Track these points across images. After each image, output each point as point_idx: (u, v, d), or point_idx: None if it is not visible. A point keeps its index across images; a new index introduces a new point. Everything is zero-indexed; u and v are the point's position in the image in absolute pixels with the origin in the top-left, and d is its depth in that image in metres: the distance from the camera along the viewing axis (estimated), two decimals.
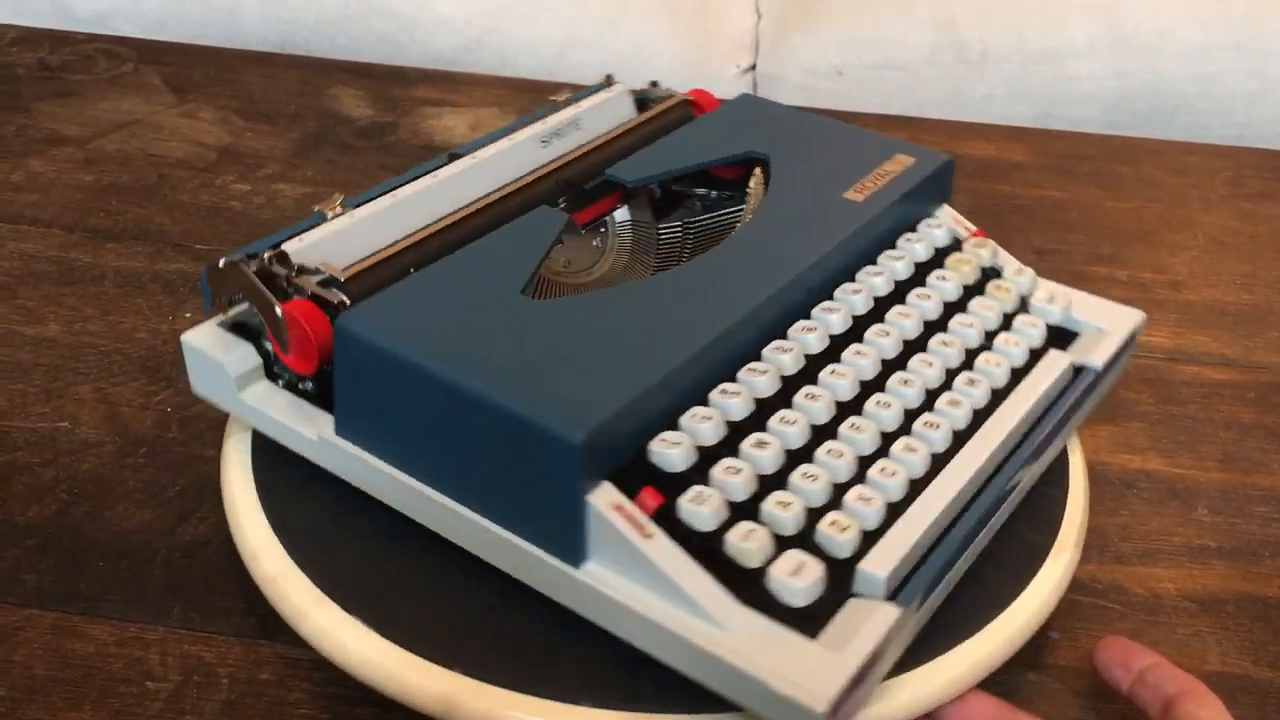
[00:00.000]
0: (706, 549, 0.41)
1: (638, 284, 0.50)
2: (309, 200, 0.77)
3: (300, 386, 0.50)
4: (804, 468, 0.44)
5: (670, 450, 0.43)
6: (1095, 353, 0.53)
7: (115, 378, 0.62)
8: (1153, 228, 0.80)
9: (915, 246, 0.55)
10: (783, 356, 0.48)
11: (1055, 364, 0.52)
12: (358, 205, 0.53)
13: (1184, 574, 0.55)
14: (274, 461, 0.52)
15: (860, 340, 0.50)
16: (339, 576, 0.47)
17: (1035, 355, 0.53)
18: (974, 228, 0.58)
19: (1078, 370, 0.53)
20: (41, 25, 0.98)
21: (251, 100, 0.88)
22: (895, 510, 0.44)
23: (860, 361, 0.49)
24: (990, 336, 0.53)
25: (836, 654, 0.39)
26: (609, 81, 0.66)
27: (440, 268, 0.49)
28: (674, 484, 0.42)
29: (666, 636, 0.40)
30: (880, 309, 0.52)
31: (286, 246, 0.50)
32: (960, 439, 0.47)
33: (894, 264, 0.54)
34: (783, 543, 0.42)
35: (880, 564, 0.41)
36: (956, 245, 0.57)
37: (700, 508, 0.41)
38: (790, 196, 0.54)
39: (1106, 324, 0.55)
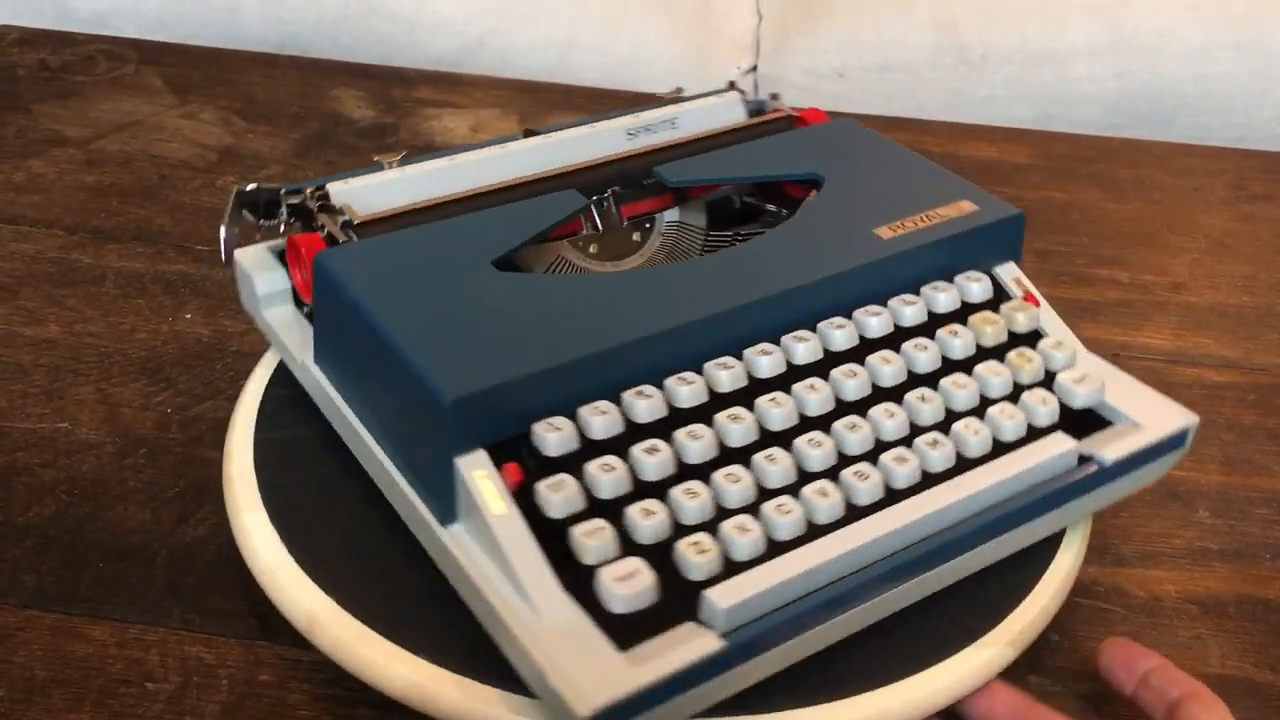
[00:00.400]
0: (559, 537, 0.41)
1: (608, 275, 0.51)
2: None
3: (306, 313, 0.53)
4: (687, 484, 0.43)
5: (548, 434, 0.43)
6: (1112, 446, 0.48)
7: (115, 379, 0.62)
8: (1154, 229, 0.80)
9: (938, 296, 0.51)
10: (721, 373, 0.46)
11: (1050, 447, 0.47)
12: (417, 162, 0.56)
13: (1185, 576, 0.55)
14: (276, 463, 0.52)
15: (824, 376, 0.47)
16: (342, 578, 0.47)
17: (1036, 433, 0.48)
18: (1031, 291, 0.53)
19: (1085, 460, 0.48)
20: (43, 26, 0.98)
21: (253, 101, 0.88)
22: (780, 550, 0.42)
23: (807, 395, 0.46)
24: (988, 403, 0.49)
25: (629, 667, 0.38)
26: (731, 86, 0.64)
27: (435, 228, 0.51)
28: (549, 468, 0.43)
29: (488, 609, 0.41)
30: (865, 350, 0.49)
31: (331, 186, 0.53)
32: (894, 497, 0.44)
33: (903, 309, 0.50)
34: (638, 550, 0.41)
35: (727, 595, 0.40)
36: (993, 304, 0.52)
37: (553, 494, 0.42)
38: (815, 222, 0.52)
39: (1148, 419, 0.50)
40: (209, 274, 0.70)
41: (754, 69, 1.13)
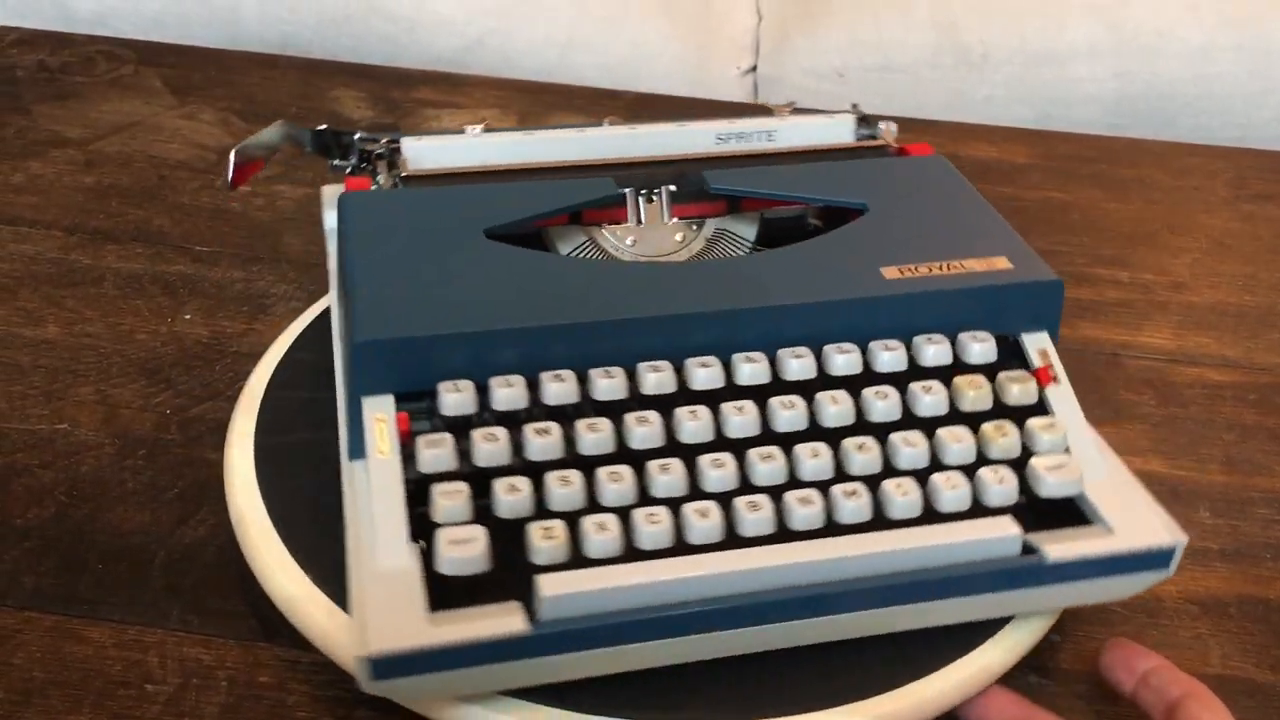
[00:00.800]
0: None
1: (587, 262, 0.53)
2: (309, 201, 0.77)
3: None
4: (564, 472, 0.43)
5: (448, 394, 0.44)
6: (1065, 545, 0.44)
7: (115, 379, 0.61)
8: (1154, 229, 0.80)
9: (927, 347, 0.48)
10: (649, 374, 0.45)
11: (987, 529, 0.43)
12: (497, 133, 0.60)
13: (1185, 576, 0.55)
14: (276, 464, 0.52)
15: (761, 400, 0.46)
16: (342, 579, 0.46)
17: (985, 512, 0.45)
18: (1054, 367, 0.50)
19: (1030, 550, 0.44)
20: (42, 26, 0.98)
21: (252, 102, 0.88)
22: (638, 558, 0.41)
23: (731, 416, 0.45)
24: (938, 468, 0.46)
25: (428, 625, 0.39)
26: (854, 109, 0.63)
27: (458, 190, 0.54)
28: (451, 428, 0.45)
29: (347, 542, 0.43)
30: (816, 386, 0.47)
31: (404, 140, 0.58)
32: (785, 536, 0.43)
33: (881, 352, 0.47)
34: (497, 524, 0.42)
35: (555, 584, 0.40)
36: (991, 369, 0.49)
37: (426, 450, 0.43)
38: (829, 249, 0.51)
39: (1125, 528, 0.45)
40: (208, 274, 0.69)
41: (754, 69, 1.13)
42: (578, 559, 0.41)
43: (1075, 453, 0.47)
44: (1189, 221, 0.81)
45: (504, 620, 0.40)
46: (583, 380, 0.45)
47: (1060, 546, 0.44)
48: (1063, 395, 0.49)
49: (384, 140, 0.58)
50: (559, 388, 0.45)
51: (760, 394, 0.46)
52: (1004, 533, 0.44)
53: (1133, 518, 0.46)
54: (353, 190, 0.54)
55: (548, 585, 0.40)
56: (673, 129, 0.60)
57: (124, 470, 0.56)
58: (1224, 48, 1.07)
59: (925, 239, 0.51)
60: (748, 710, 0.43)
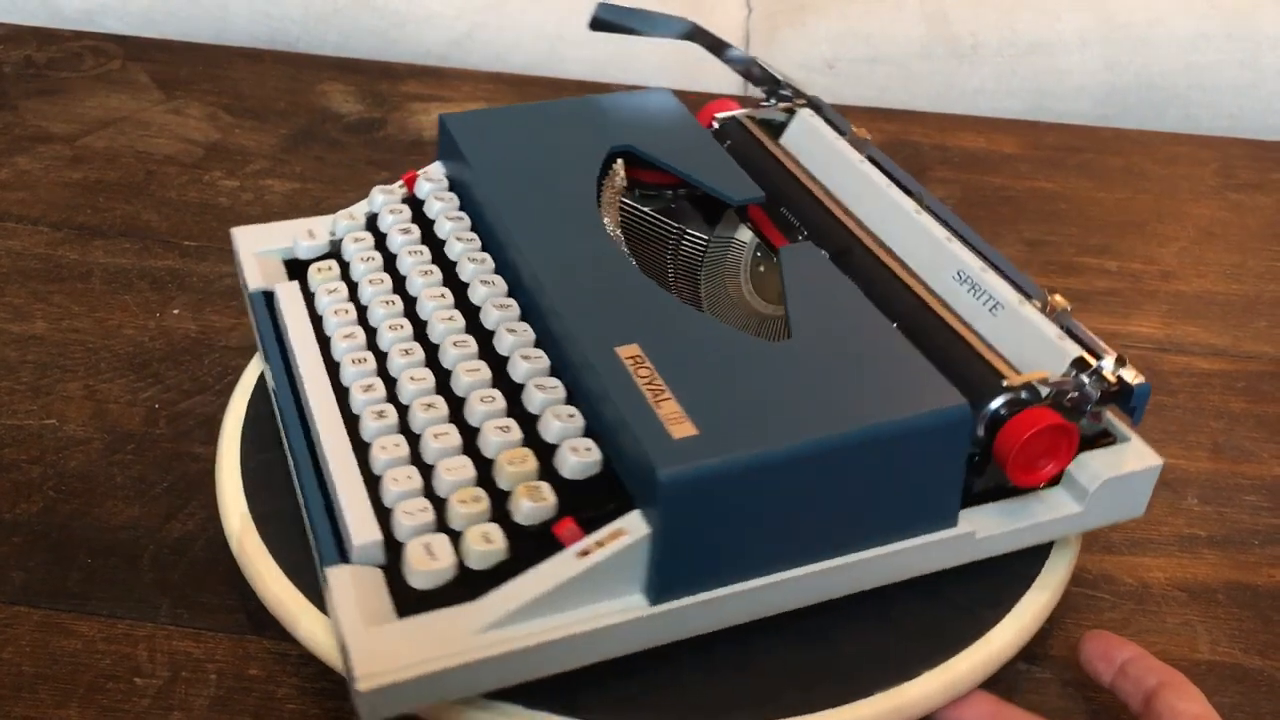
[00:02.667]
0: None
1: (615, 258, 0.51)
2: (297, 196, 0.76)
3: None
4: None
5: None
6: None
7: (103, 374, 0.61)
8: (1143, 219, 0.80)
9: None
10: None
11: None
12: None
13: (1174, 563, 0.55)
14: (267, 457, 0.52)
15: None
16: None
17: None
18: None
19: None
20: (29, 23, 0.97)
21: (240, 97, 0.88)
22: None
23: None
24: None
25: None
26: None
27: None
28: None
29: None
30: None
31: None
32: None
33: None
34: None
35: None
36: None
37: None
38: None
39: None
40: (196, 269, 0.69)
41: None
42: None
43: None
44: (1177, 210, 0.82)
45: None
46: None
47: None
48: None
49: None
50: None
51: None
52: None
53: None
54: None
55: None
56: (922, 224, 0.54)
57: (112, 465, 0.56)
58: (1213, 38, 1.07)
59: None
60: (722, 712, 0.44)
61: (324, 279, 0.55)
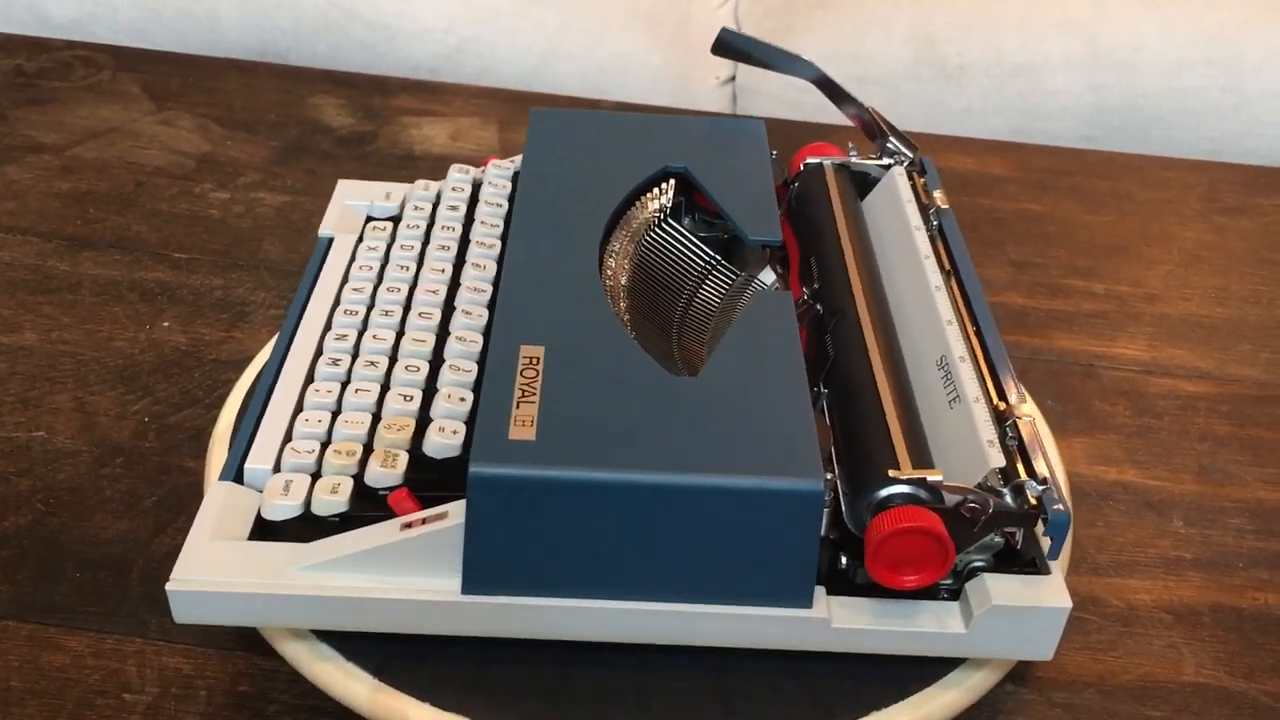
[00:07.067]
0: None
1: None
2: (289, 209, 0.76)
3: None
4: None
5: None
6: None
7: (92, 387, 0.61)
8: (1129, 242, 0.81)
9: None
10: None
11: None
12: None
13: (1160, 586, 0.55)
14: None
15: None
16: None
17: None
18: None
19: None
20: (19, 31, 0.97)
21: (231, 109, 0.88)
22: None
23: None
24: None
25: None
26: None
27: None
28: None
29: None
30: None
31: None
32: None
33: None
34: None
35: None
36: None
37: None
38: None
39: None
40: (186, 282, 0.69)
41: (732, 79, 1.14)
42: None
43: None
44: (1163, 234, 0.82)
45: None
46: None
47: None
48: None
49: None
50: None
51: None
52: None
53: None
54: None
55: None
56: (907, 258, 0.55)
57: (102, 478, 0.56)
58: (1196, 62, 1.09)
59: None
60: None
61: (373, 237, 0.59)
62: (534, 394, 0.43)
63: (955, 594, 0.44)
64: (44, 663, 0.47)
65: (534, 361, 0.45)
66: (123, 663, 0.48)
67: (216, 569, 0.42)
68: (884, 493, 0.42)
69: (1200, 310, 0.75)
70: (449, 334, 0.50)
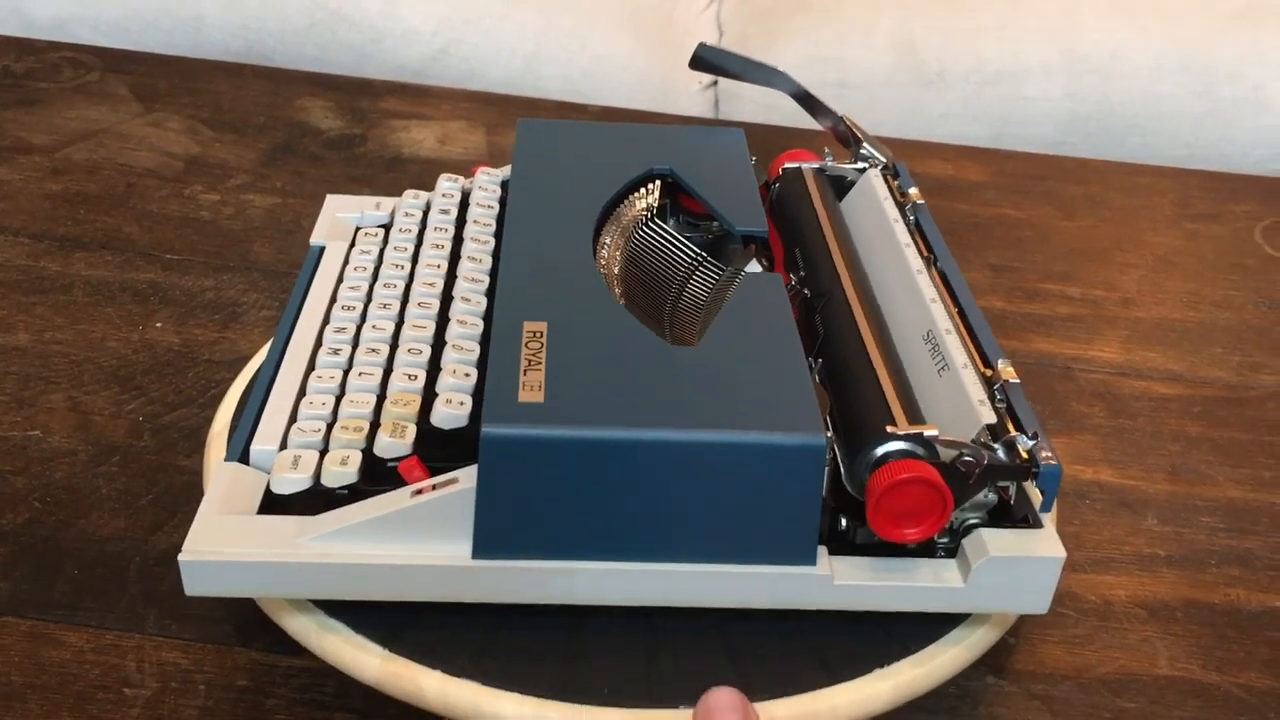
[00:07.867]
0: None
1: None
2: (278, 211, 0.77)
3: None
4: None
5: None
6: None
7: (87, 387, 0.62)
8: (1104, 247, 0.83)
9: None
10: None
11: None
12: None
13: (1134, 581, 0.57)
14: None
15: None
16: None
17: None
18: None
19: None
20: (0, 31, 0.97)
21: (219, 110, 0.88)
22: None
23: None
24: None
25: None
26: None
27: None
28: None
29: None
30: None
31: None
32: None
33: None
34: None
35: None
36: None
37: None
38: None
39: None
40: (178, 283, 0.70)
41: (715, 84, 1.15)
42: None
43: None
44: (1137, 239, 0.84)
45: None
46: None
47: None
48: None
49: None
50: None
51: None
52: None
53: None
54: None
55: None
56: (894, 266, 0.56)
57: (97, 477, 0.57)
58: (1170, 70, 1.11)
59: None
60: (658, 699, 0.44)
61: (365, 242, 0.61)
62: (540, 363, 0.45)
63: (952, 552, 0.46)
64: (44, 657, 0.48)
65: (538, 335, 0.46)
66: (122, 658, 0.48)
67: (227, 540, 0.43)
68: (882, 449, 0.44)
69: (1173, 314, 0.76)
70: (449, 320, 0.52)
